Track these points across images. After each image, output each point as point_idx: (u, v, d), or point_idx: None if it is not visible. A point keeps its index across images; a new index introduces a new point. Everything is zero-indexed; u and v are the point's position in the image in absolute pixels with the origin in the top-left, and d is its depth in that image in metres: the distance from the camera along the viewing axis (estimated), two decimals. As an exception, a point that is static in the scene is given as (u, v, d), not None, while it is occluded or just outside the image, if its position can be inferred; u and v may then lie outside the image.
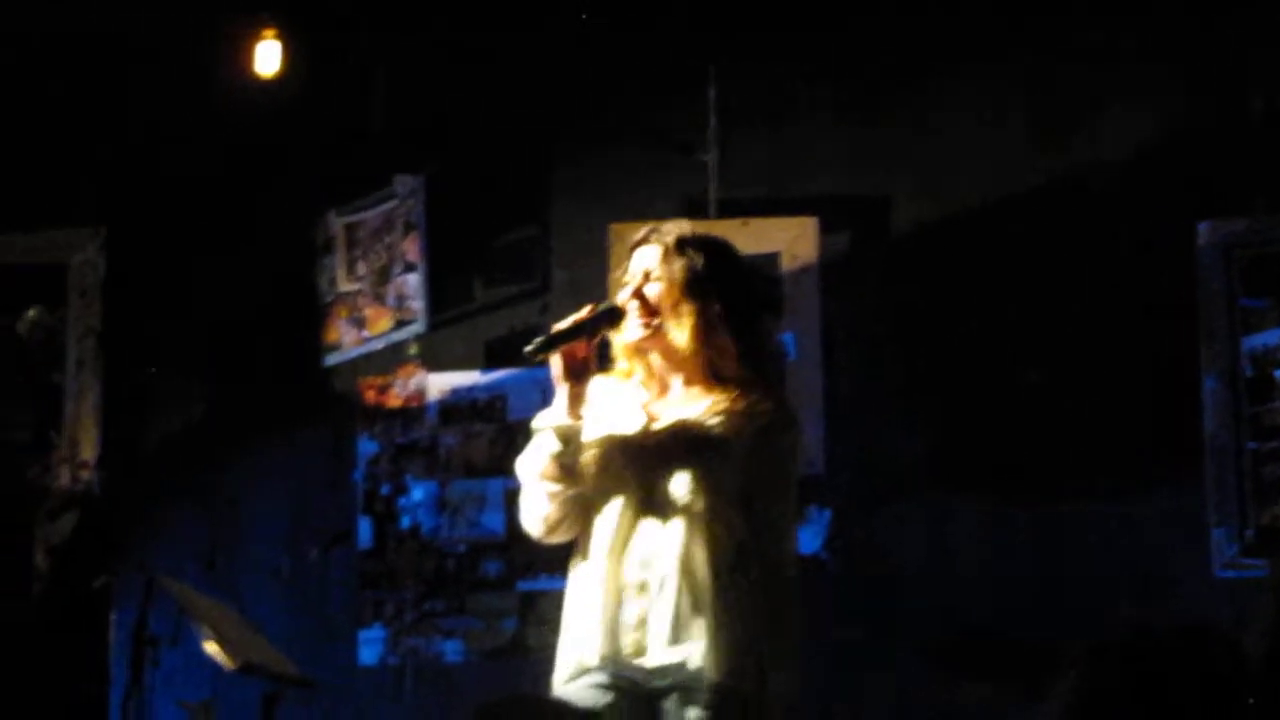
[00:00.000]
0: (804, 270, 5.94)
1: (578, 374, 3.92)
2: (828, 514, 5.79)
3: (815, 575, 5.74)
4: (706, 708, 3.84)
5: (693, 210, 5.98)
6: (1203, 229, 5.63)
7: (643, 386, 4.07)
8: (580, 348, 3.93)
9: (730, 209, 5.98)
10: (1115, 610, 5.45)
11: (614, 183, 6.13)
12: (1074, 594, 5.58)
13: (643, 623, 3.88)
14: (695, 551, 3.88)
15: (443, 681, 6.09)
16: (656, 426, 3.97)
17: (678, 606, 3.87)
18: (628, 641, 3.88)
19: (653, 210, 6.03)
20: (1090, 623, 5.43)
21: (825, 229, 5.95)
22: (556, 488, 3.95)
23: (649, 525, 3.91)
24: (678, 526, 3.88)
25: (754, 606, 3.93)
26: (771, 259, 5.96)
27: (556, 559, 5.82)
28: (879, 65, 6.01)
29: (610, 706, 3.86)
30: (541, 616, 5.89)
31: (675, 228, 4.07)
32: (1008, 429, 5.77)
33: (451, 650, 6.12)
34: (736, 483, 3.94)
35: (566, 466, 3.92)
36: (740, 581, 3.92)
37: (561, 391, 3.91)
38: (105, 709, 6.22)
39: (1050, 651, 5.42)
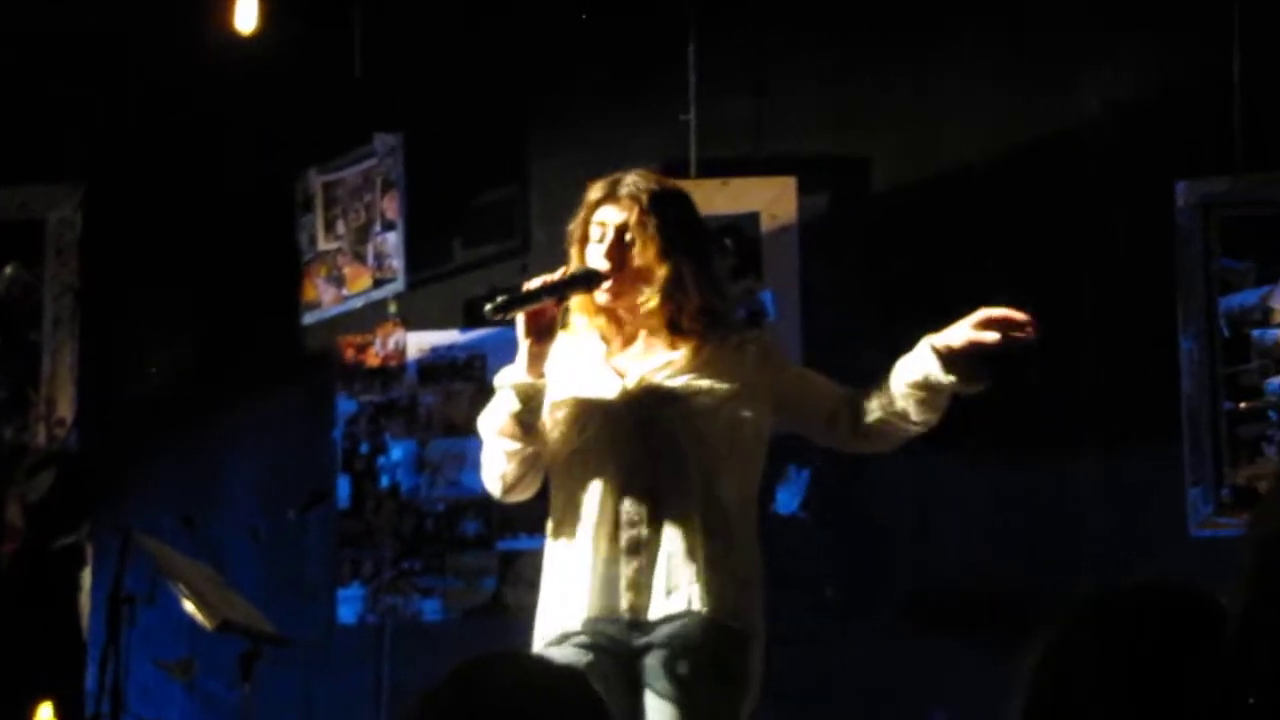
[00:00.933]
0: (783, 230, 5.94)
1: (543, 333, 3.86)
2: (806, 473, 5.80)
3: (794, 534, 5.75)
4: (706, 650, 3.85)
5: (673, 170, 5.98)
6: (1180, 189, 5.64)
7: (601, 341, 4.04)
8: (548, 306, 3.87)
9: (710, 168, 5.98)
10: (1093, 568, 5.47)
11: (593, 142, 6.12)
12: (1052, 552, 5.60)
13: (635, 583, 3.88)
14: (699, 503, 3.89)
15: (421, 640, 6.09)
16: (637, 387, 3.95)
17: (678, 557, 3.87)
18: (623, 602, 3.88)
19: (632, 169, 6.03)
20: (1068, 580, 5.45)
21: (805, 189, 5.95)
22: (515, 446, 3.93)
23: (638, 483, 3.90)
24: (675, 482, 3.89)
25: (751, 544, 3.97)
26: (751, 218, 5.96)
27: (536, 518, 5.82)
28: (859, 25, 6.00)
29: (590, 666, 3.85)
30: (520, 575, 5.90)
31: (641, 182, 4.01)
32: (988, 389, 5.77)
33: (430, 609, 6.13)
34: (757, 420, 3.98)
35: (526, 424, 3.89)
36: (741, 524, 3.95)
37: (524, 349, 3.86)
38: (82, 667, 6.22)
39: (1028, 608, 5.45)
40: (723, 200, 5.95)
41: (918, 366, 3.95)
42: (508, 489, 4.01)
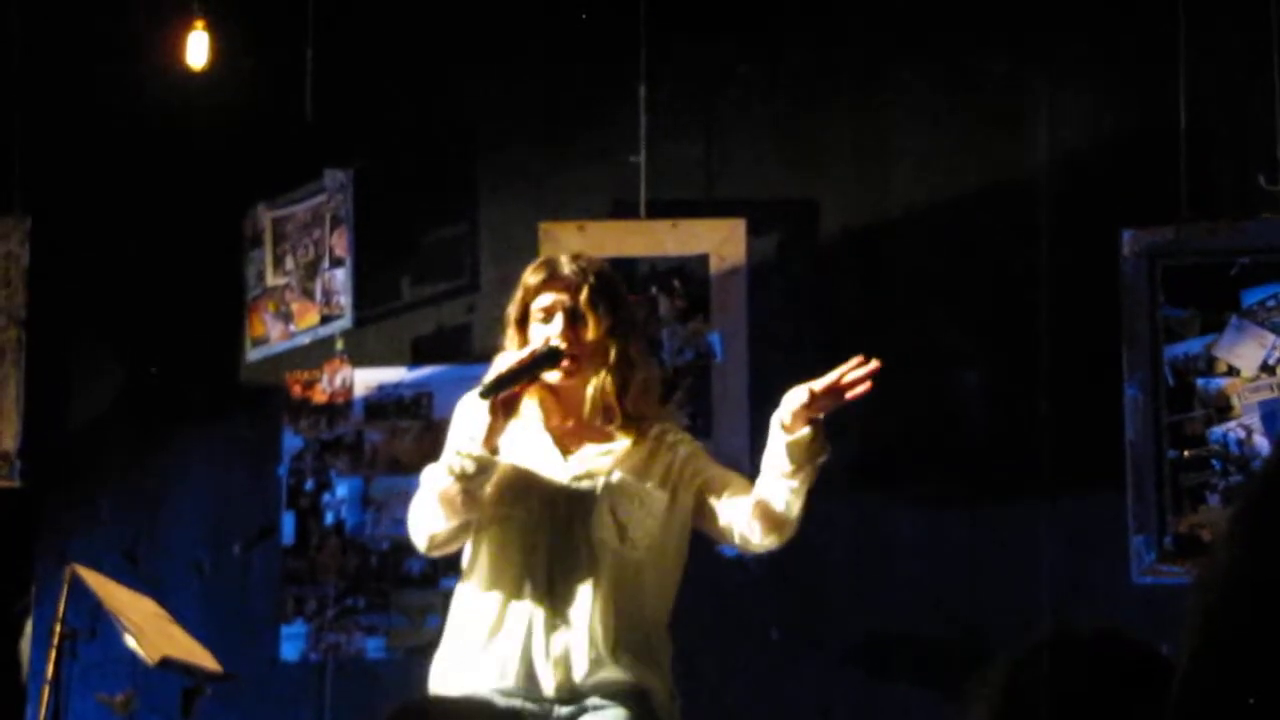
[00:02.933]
0: (732, 272, 5.95)
1: (509, 409, 3.94)
2: (752, 515, 5.81)
3: (738, 576, 5.76)
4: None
5: (622, 211, 6.00)
6: (1127, 237, 5.67)
7: (543, 411, 4.09)
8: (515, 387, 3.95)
9: (659, 210, 5.99)
10: (1036, 613, 5.49)
11: (544, 182, 6.13)
12: (996, 596, 5.62)
13: (564, 658, 3.94)
14: (615, 592, 3.97)
15: (364, 678, 6.07)
16: (580, 470, 4.02)
17: (602, 638, 3.95)
18: (548, 676, 3.93)
19: (582, 210, 6.05)
20: (1012, 626, 5.46)
21: (754, 231, 5.97)
22: (455, 510, 3.97)
23: (560, 564, 3.97)
24: (596, 569, 3.96)
25: (664, 636, 4.06)
26: (700, 260, 5.97)
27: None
28: (809, 69, 6.03)
29: (501, 713, 3.90)
30: (464, 614, 5.88)
31: (582, 262, 4.09)
32: (933, 432, 5.80)
33: (373, 647, 6.11)
34: (684, 520, 4.07)
35: (471, 494, 3.94)
36: (655, 615, 4.02)
37: (485, 423, 3.90)
38: (22, 701, 6.17)
39: (971, 652, 5.46)
40: (672, 242, 5.96)
41: (774, 460, 3.95)
42: (433, 547, 4.06)
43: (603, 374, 4.02)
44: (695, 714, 4.21)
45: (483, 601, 4.02)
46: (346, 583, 6.14)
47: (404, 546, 6.09)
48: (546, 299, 4.03)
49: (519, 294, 4.08)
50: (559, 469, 4.03)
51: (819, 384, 3.87)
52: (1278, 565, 1.15)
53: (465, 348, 6.15)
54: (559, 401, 4.08)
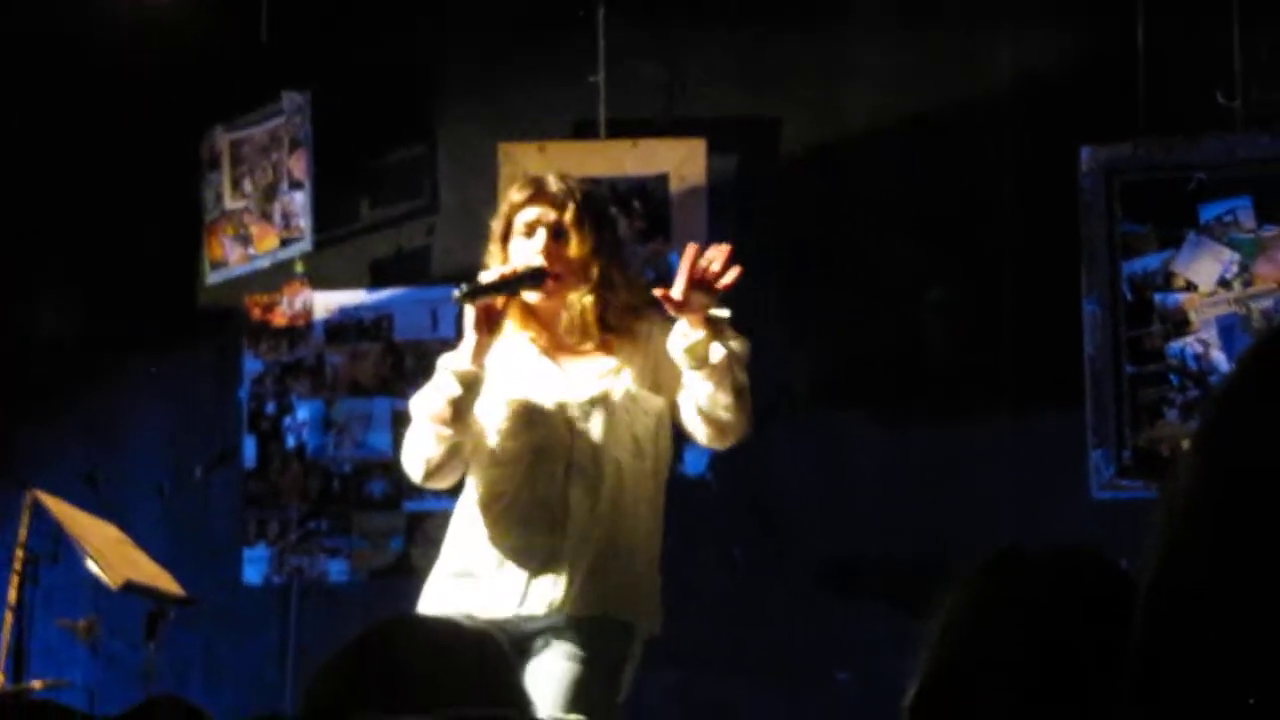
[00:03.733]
0: (692, 191, 5.95)
1: (492, 326, 3.95)
2: (713, 435, 5.82)
3: (701, 496, 5.78)
4: (592, 639, 3.95)
5: (582, 131, 5.97)
6: (1085, 154, 5.68)
7: (531, 342, 4.09)
8: (498, 300, 3.96)
9: (619, 129, 5.98)
10: (997, 528, 5.52)
11: (503, 102, 6.10)
12: (956, 512, 5.64)
13: (562, 581, 3.96)
14: (614, 509, 4.00)
15: (328, 601, 6.08)
16: (575, 390, 4.02)
17: (599, 563, 3.98)
18: (541, 602, 3.94)
19: (542, 130, 6.02)
20: (972, 540, 5.50)
21: (714, 150, 5.96)
22: (447, 431, 3.97)
23: (559, 487, 3.99)
24: (597, 487, 3.99)
25: (656, 542, 4.08)
26: (660, 180, 5.96)
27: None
28: (768, -13, 6.01)
29: (484, 638, 3.92)
30: (428, 536, 5.89)
31: (570, 181, 4.09)
32: (894, 351, 5.82)
33: (336, 570, 6.12)
34: (669, 411, 4.08)
35: (461, 412, 3.94)
36: (651, 524, 4.05)
37: (470, 339, 3.92)
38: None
39: (932, 569, 5.50)
40: (632, 161, 5.95)
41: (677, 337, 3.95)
42: (429, 473, 4.05)
43: (583, 293, 4.02)
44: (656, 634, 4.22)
45: (474, 523, 4.04)
46: (308, 506, 6.14)
47: (366, 469, 6.10)
48: (530, 214, 4.03)
49: (504, 208, 4.10)
50: (556, 395, 4.03)
51: (676, 289, 3.84)
52: (1240, 483, 1.16)
53: (425, 270, 6.13)
54: (538, 320, 4.08)
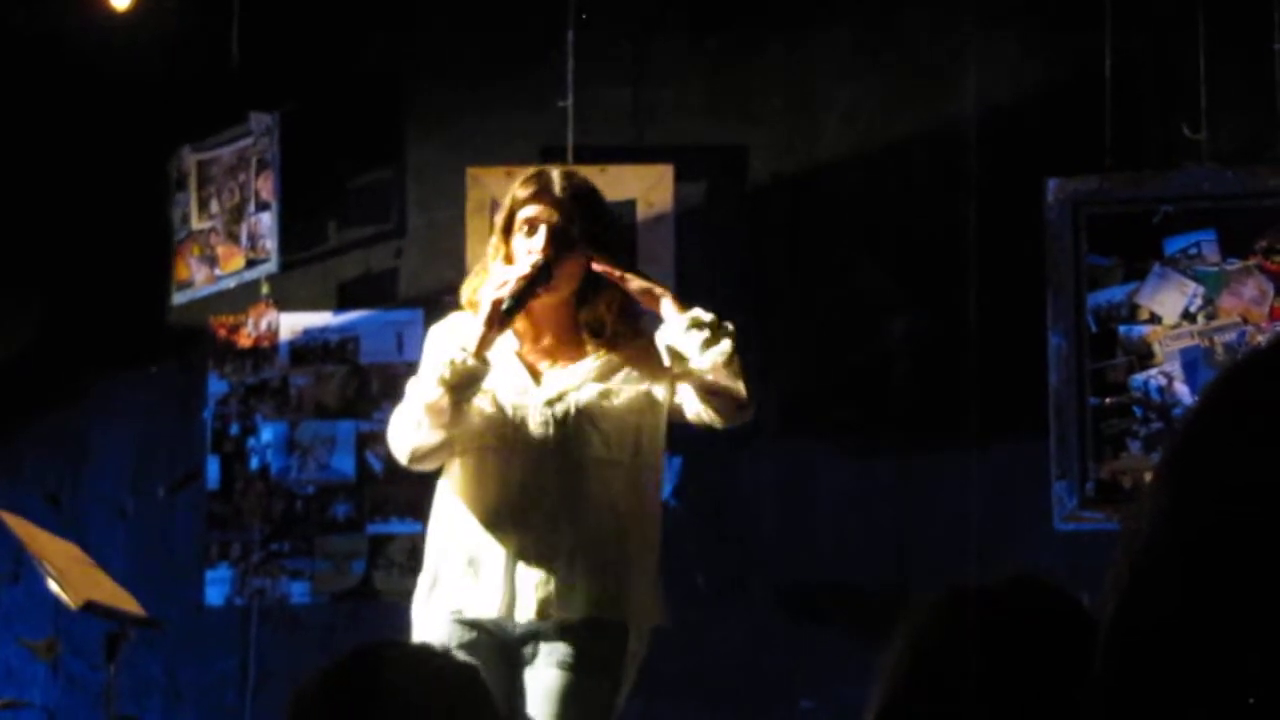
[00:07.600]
0: (659, 218, 5.95)
1: (502, 322, 3.95)
2: (678, 461, 5.83)
3: (665, 521, 5.77)
4: (587, 643, 3.95)
5: (550, 156, 5.98)
6: (1052, 186, 5.70)
7: (515, 337, 4.09)
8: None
9: (587, 155, 5.98)
10: (959, 558, 5.53)
11: (471, 126, 6.11)
12: (919, 541, 5.66)
13: (547, 582, 3.94)
14: (596, 511, 4.02)
15: (289, 623, 6.06)
16: (552, 393, 4.03)
17: (583, 565, 3.97)
18: (531, 601, 3.93)
19: (510, 155, 6.03)
20: (934, 569, 5.51)
21: (682, 177, 5.97)
22: (440, 421, 3.97)
23: (539, 486, 4.00)
24: (579, 487, 4.00)
25: (652, 541, 4.09)
26: (628, 206, 5.97)
27: (406, 502, 5.81)
28: (738, 14, 6.03)
29: (471, 644, 3.92)
30: (391, 559, 5.88)
31: (574, 179, 4.14)
32: (859, 380, 5.83)
33: (298, 592, 6.10)
34: (660, 422, 4.12)
35: (459, 405, 3.94)
36: (641, 523, 4.05)
37: (478, 335, 3.93)
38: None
39: (895, 597, 5.50)
40: (599, 187, 5.94)
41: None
42: (415, 458, 4.06)
43: (582, 292, 4.06)
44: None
45: (454, 524, 4.04)
46: (271, 527, 6.13)
47: (329, 491, 6.09)
48: (531, 211, 4.05)
49: (507, 203, 4.12)
50: (533, 394, 4.03)
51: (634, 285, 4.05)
52: (1204, 517, 1.17)
53: (391, 292, 6.13)
54: (532, 320, 4.09)
